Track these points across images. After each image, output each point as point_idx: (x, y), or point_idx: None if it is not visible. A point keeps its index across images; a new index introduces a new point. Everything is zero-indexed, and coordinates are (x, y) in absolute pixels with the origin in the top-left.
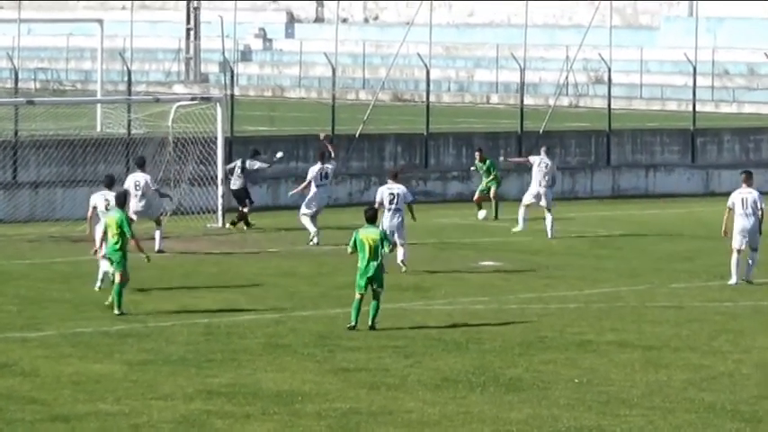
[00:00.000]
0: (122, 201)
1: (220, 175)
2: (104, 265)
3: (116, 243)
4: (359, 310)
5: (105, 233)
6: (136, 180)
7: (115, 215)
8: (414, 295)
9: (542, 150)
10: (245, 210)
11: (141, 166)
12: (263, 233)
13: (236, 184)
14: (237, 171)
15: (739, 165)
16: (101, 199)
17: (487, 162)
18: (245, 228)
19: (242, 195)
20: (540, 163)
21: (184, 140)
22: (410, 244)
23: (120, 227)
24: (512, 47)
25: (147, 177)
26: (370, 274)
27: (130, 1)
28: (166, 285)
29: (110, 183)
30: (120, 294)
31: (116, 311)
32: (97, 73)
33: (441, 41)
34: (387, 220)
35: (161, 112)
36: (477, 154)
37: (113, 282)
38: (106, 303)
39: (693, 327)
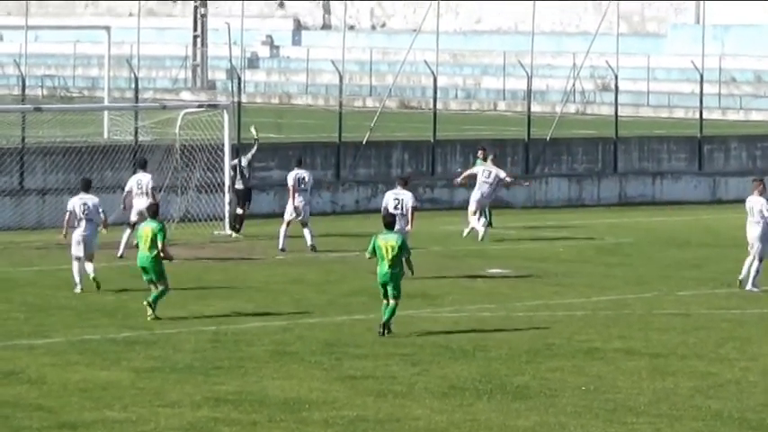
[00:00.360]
0: (155, 211)
1: (227, 182)
2: (75, 268)
3: (152, 253)
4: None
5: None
6: (138, 180)
7: (151, 225)
8: (421, 303)
9: (489, 159)
10: (240, 211)
11: (143, 166)
12: (269, 240)
13: (238, 184)
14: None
15: (746, 172)
16: (78, 202)
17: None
18: (233, 234)
19: (241, 196)
20: (483, 171)
21: (191, 147)
22: (416, 249)
23: (155, 236)
24: (519, 54)
25: (149, 177)
26: (386, 279)
27: (138, 5)
28: (173, 292)
29: (86, 186)
30: (159, 298)
31: (150, 310)
32: (104, 80)
33: (448, 48)
34: None
35: (168, 119)
36: (480, 152)
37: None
38: (149, 317)
39: (700, 334)
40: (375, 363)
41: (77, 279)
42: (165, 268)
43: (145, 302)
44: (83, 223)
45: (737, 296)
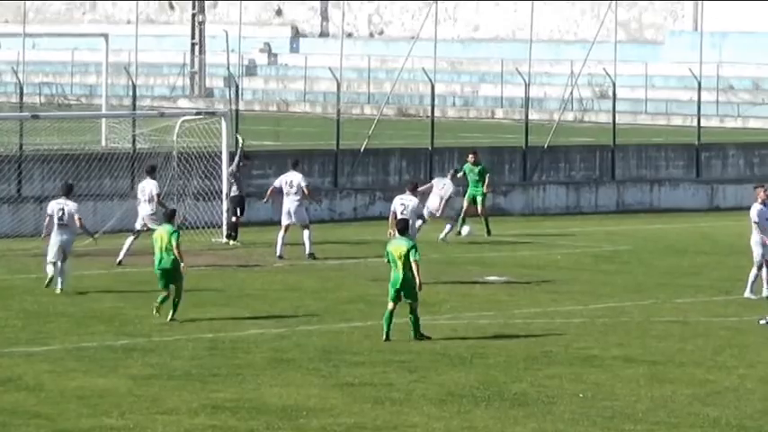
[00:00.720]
0: (171, 216)
1: (225, 189)
2: (50, 270)
3: (170, 257)
4: (390, 321)
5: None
6: (143, 187)
7: (165, 229)
8: (419, 310)
9: (449, 174)
10: (233, 219)
11: (150, 173)
12: (267, 247)
13: (232, 191)
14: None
15: (744, 180)
16: (56, 207)
17: (480, 167)
18: (231, 242)
19: (235, 203)
20: (441, 185)
21: (189, 155)
22: None
23: (169, 239)
24: (517, 62)
25: (154, 183)
26: (398, 285)
27: (136, 12)
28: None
29: (66, 191)
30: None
31: (169, 317)
32: (102, 87)
33: (445, 56)
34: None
35: (166, 126)
36: (470, 156)
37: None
38: (156, 313)
39: (698, 342)
40: (373, 370)
41: (49, 272)
42: (179, 270)
43: (168, 319)
44: (59, 228)
45: (735, 303)
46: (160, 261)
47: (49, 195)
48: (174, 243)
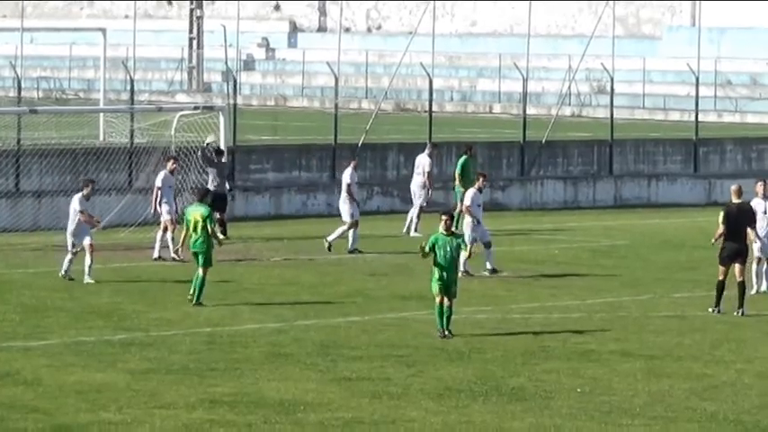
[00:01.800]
0: (203, 196)
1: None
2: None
3: (203, 238)
4: (442, 314)
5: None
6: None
7: (200, 210)
8: (417, 305)
9: (427, 146)
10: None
11: (168, 161)
12: (264, 242)
13: (211, 184)
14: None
15: (742, 174)
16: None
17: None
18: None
19: (216, 199)
20: (417, 165)
21: (187, 150)
22: (412, 252)
23: (204, 221)
24: (514, 56)
25: (160, 177)
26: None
27: (134, 7)
28: (169, 294)
29: (82, 186)
30: (203, 286)
31: (194, 301)
32: (100, 82)
33: (443, 51)
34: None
35: (164, 121)
36: (468, 150)
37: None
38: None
39: (696, 336)
40: (370, 364)
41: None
42: (212, 254)
43: (193, 303)
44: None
45: (732, 298)
46: (195, 242)
47: (47, 190)
48: (210, 226)
